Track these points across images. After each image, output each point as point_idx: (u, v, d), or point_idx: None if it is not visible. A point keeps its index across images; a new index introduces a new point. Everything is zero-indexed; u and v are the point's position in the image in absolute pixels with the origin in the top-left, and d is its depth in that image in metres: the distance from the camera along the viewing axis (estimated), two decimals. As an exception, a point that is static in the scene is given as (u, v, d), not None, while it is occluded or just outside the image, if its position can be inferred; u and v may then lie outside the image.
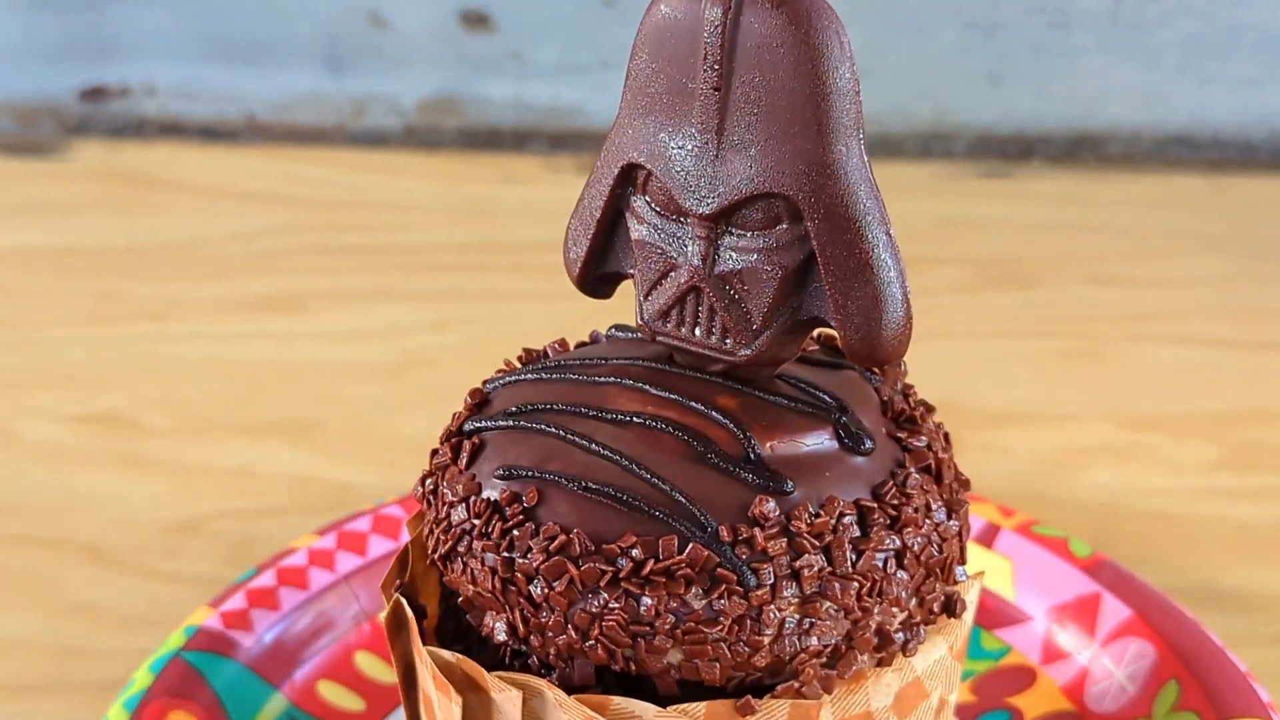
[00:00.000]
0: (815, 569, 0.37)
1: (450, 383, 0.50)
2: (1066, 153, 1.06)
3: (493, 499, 0.39)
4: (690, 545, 0.37)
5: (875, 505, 0.39)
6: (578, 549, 0.38)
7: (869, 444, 0.40)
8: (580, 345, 0.46)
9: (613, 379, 0.42)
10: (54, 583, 0.62)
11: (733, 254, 0.39)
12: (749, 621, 0.37)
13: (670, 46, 0.38)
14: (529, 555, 0.38)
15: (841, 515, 0.38)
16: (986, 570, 0.53)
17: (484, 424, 0.42)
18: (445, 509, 0.41)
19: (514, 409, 0.42)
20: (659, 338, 0.42)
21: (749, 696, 0.38)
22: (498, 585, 0.38)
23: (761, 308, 0.39)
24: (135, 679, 0.49)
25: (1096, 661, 0.54)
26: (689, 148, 0.39)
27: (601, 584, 0.37)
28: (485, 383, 0.44)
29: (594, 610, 0.37)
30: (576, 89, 1.08)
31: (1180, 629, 0.53)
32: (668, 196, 0.39)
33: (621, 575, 0.37)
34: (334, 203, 1.02)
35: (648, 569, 0.37)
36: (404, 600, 0.43)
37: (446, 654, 0.40)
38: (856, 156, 0.37)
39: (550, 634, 0.38)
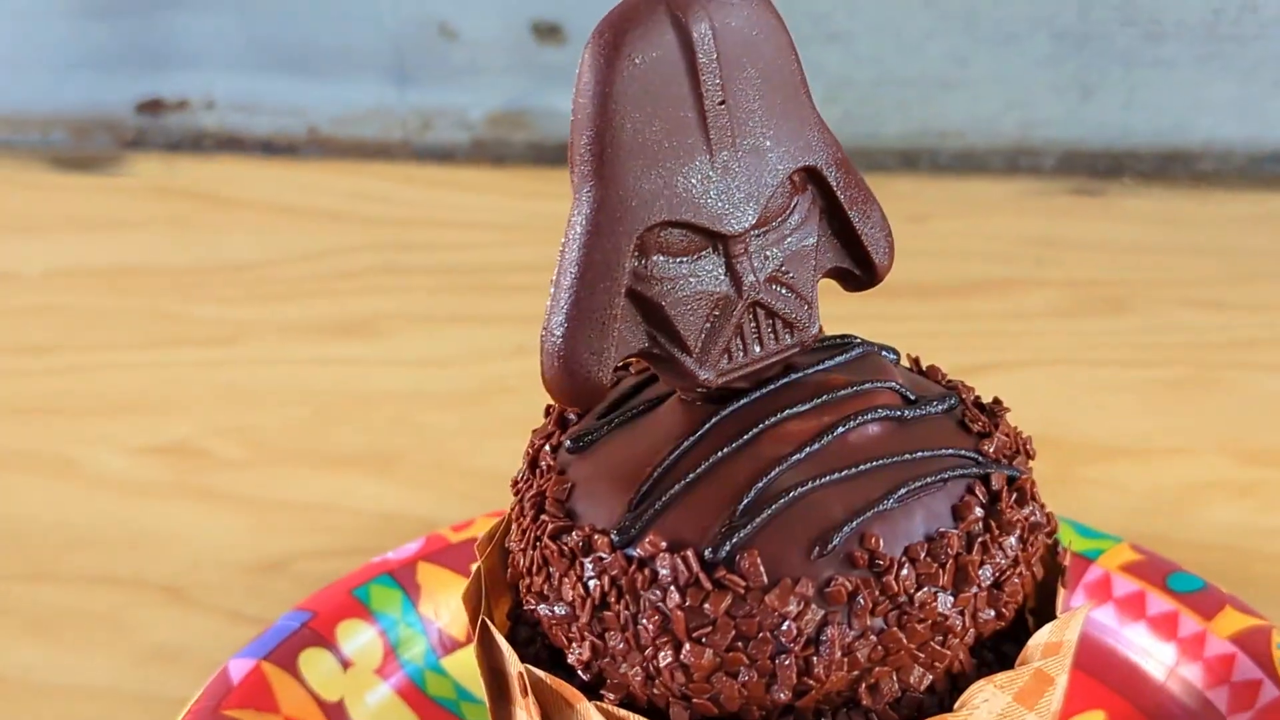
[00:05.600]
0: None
1: (534, 411, 0.47)
2: (1158, 169, 1.02)
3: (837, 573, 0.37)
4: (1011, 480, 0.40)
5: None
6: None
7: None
8: (591, 433, 0.42)
9: (747, 435, 0.39)
10: (134, 625, 0.60)
11: (771, 250, 0.39)
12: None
13: (657, 88, 0.36)
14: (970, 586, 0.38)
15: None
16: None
17: (743, 535, 0.37)
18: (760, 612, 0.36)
19: (748, 499, 0.37)
20: (722, 379, 0.39)
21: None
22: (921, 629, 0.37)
23: (807, 283, 0.40)
24: None
25: None
26: (709, 174, 0.38)
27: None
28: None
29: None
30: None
31: None
32: (690, 238, 0.38)
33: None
34: (400, 220, 0.99)
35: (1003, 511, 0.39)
36: (589, 698, 0.38)
37: None
38: None
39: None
